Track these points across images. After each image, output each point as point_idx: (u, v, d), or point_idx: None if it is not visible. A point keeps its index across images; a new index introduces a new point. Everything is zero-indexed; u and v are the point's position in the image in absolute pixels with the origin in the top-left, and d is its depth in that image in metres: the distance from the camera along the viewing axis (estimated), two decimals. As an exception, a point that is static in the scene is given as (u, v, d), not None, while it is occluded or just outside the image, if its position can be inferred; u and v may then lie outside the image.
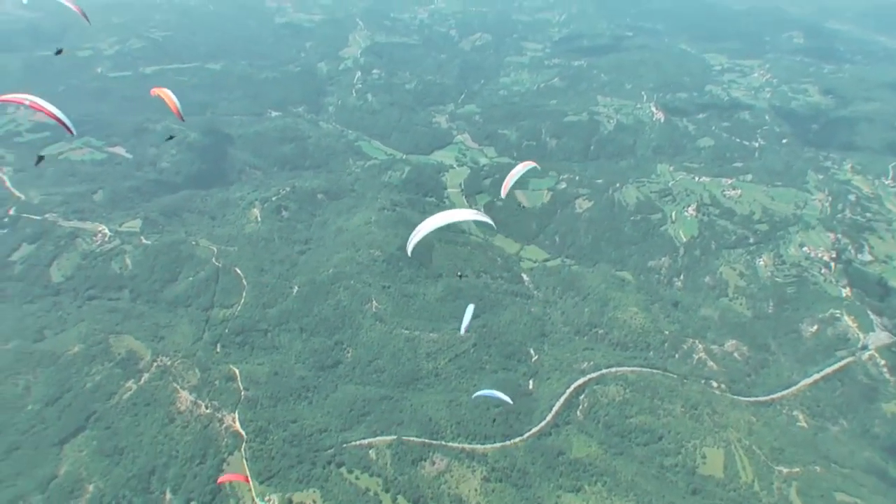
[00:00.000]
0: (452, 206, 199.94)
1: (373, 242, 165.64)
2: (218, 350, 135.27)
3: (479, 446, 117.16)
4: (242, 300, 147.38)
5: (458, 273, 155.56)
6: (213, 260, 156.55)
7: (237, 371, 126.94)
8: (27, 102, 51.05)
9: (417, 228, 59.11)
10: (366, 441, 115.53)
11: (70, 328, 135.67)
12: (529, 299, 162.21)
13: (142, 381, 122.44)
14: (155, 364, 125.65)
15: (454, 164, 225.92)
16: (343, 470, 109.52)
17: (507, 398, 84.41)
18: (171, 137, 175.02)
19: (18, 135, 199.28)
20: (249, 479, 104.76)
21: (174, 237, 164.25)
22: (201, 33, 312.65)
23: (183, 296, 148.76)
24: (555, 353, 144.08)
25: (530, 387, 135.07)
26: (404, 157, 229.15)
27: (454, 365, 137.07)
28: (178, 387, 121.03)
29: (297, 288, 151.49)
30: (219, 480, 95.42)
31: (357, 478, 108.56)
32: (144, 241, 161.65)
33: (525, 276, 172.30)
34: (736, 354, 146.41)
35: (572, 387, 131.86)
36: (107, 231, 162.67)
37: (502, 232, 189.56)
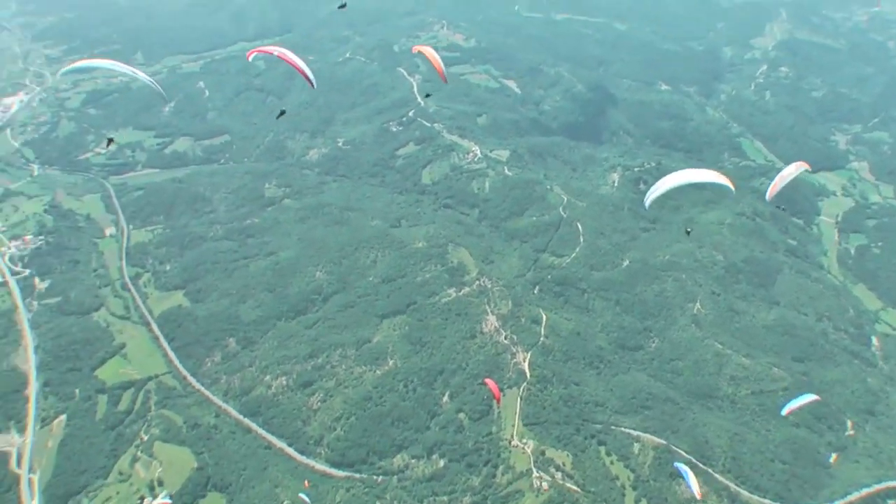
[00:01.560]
0: (821, 234, 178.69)
1: (719, 244, 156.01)
2: (535, 292, 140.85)
3: (745, 492, 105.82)
4: (574, 254, 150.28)
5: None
6: (560, 209, 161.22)
7: (545, 317, 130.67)
8: (275, 53, 53.01)
9: (656, 185, 55.55)
10: (635, 433, 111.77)
11: (421, 226, 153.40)
12: (870, 367, 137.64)
13: (462, 292, 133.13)
14: (477, 282, 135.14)
15: (838, 191, 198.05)
16: (602, 449, 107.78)
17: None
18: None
19: (437, 51, 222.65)
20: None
21: (533, 176, 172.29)
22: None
23: (522, 231, 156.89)
24: (878, 437, 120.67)
25: (832, 460, 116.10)
26: (784, 167, 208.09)
27: (755, 400, 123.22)
28: (489, 310, 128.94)
29: (627, 262, 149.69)
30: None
31: (612, 462, 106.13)
32: (507, 171, 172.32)
33: (875, 341, 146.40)
34: None
35: (883, 485, 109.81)
36: (478, 152, 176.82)
37: (866, 283, 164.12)
